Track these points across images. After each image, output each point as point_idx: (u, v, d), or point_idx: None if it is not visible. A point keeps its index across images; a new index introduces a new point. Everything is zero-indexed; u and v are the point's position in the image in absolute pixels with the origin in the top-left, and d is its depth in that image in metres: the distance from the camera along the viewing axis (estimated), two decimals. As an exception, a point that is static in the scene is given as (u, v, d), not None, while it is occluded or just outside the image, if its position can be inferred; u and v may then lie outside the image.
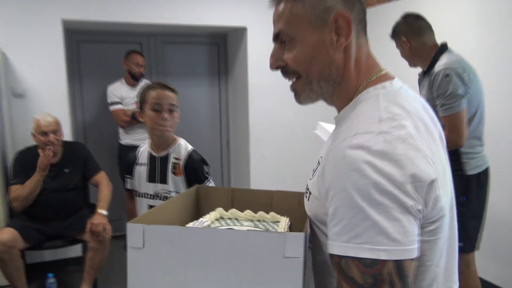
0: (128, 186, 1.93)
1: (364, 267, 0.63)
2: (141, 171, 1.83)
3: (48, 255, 3.27)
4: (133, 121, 3.48)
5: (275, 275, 0.66)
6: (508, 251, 2.74)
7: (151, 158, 1.82)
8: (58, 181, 2.79)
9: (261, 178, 3.89)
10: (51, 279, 2.83)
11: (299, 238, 0.65)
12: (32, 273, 2.77)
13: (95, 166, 2.97)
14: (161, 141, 1.79)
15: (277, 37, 0.83)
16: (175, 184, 1.77)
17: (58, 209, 2.77)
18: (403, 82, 0.84)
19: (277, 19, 0.83)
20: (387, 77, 0.81)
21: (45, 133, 2.69)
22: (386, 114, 0.71)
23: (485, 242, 2.29)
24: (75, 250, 3.30)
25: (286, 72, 0.84)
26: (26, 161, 2.73)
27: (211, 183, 1.80)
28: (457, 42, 2.91)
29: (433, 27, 2.27)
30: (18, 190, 2.64)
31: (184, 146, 1.81)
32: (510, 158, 2.67)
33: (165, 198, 1.77)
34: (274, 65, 0.84)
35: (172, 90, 1.75)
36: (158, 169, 1.79)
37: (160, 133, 1.73)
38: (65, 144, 2.87)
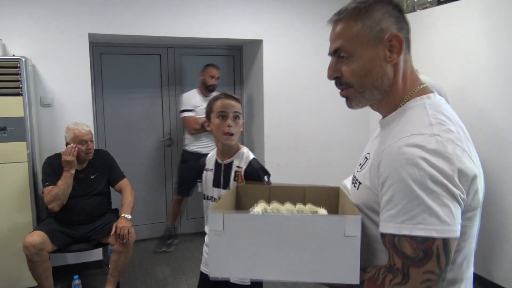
0: (199, 189, 2.04)
1: (417, 243, 0.76)
2: (208, 176, 1.94)
3: (71, 258, 3.37)
4: (202, 129, 3.60)
5: (337, 251, 0.78)
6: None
7: (217, 165, 1.92)
8: (84, 186, 2.91)
9: (275, 186, 3.98)
10: (76, 281, 2.92)
11: (357, 219, 0.77)
12: (55, 275, 2.86)
13: (120, 173, 3.10)
14: (226, 149, 1.88)
15: (335, 52, 0.96)
16: None
17: (84, 214, 2.88)
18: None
19: (335, 37, 0.95)
20: (428, 90, 0.95)
21: (84, 142, 2.83)
22: (435, 120, 0.85)
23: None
24: (96, 254, 3.41)
25: (340, 83, 0.96)
26: (56, 164, 2.84)
27: None
28: (465, 55, 3.03)
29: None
30: (52, 191, 2.75)
31: (246, 155, 1.89)
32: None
33: None
34: (332, 76, 0.97)
35: (237, 100, 1.87)
36: (222, 176, 1.89)
37: (225, 141, 1.83)
38: (92, 151, 2.99)
